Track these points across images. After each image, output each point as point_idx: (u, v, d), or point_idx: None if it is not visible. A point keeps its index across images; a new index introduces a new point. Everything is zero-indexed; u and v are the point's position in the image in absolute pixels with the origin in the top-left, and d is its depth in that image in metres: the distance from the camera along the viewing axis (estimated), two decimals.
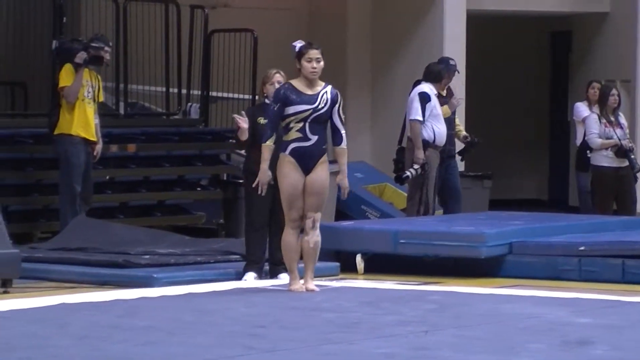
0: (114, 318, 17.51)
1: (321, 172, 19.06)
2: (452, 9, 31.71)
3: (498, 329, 16.75)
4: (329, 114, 19.05)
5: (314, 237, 19.20)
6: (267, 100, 20.56)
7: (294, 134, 18.91)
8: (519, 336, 15.73)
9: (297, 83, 19.02)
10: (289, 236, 19.49)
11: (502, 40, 35.83)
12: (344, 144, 19.79)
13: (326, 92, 19.06)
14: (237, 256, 23.14)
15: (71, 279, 22.79)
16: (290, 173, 19.01)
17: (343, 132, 19.72)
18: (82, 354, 14.24)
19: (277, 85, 20.03)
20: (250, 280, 21.95)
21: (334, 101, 19.02)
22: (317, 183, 19.08)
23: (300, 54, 19.22)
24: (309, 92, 18.97)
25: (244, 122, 21.40)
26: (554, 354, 14.24)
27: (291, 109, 18.86)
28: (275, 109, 19.04)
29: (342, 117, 20.02)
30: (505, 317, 18.08)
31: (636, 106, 33.55)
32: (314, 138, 18.95)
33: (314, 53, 19.12)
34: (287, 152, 18.98)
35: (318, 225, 19.32)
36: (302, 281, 19.42)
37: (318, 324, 16.81)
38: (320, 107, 18.92)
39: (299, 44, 19.61)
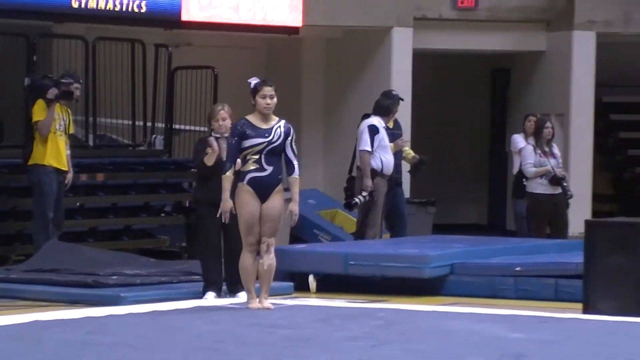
0: (84, 335, 17.19)
1: (276, 200, 19.34)
2: (399, 47, 32.04)
3: (440, 344, 16.70)
4: (282, 146, 19.25)
5: (269, 260, 19.42)
6: (213, 134, 21.07)
7: (250, 165, 19.03)
8: (459, 350, 15.78)
9: (252, 118, 19.27)
10: (246, 259, 19.59)
11: (446, 76, 35.70)
12: (296, 174, 19.80)
13: (280, 126, 19.33)
14: (199, 276, 23.01)
15: (44, 298, 22.68)
16: (248, 202, 19.23)
17: (295, 163, 19.80)
18: None
19: (221, 122, 20.81)
20: (210, 299, 21.95)
21: (287, 134, 19.28)
22: (272, 210, 19.35)
23: (255, 90, 19.35)
24: (264, 126, 19.17)
25: (215, 148, 21.54)
26: None
27: (247, 142, 19.06)
28: (233, 142, 19.29)
29: (295, 149, 19.97)
30: (447, 332, 17.93)
31: (569, 138, 33.60)
32: (270, 169, 19.15)
33: (268, 90, 19.20)
34: (245, 181, 19.14)
35: (272, 249, 19.55)
36: (258, 300, 19.57)
37: (275, 340, 16.44)
38: (274, 140, 19.18)
39: (254, 81, 19.67)
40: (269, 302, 19.68)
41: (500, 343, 16.66)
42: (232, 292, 22.42)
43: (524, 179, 31.13)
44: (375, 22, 32.41)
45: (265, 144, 19.13)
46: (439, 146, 34.91)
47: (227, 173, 19.35)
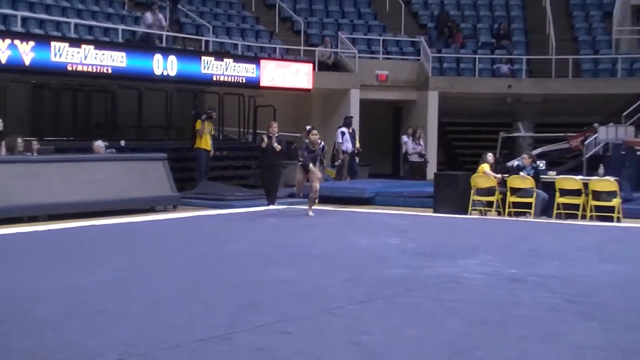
0: (219, 220, 21.36)
1: (316, 170, 22.34)
2: (354, 98, 34.91)
3: (370, 226, 20.40)
4: (319, 154, 22.43)
5: (314, 195, 22.48)
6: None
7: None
8: (378, 229, 19.49)
9: (309, 142, 22.58)
10: (299, 186, 23.39)
11: (374, 111, 36.52)
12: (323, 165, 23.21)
13: (321, 146, 22.68)
14: (264, 197, 25.09)
15: (201, 205, 24.80)
16: (301, 172, 22.54)
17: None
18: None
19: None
20: (268, 207, 24.44)
21: (322, 149, 22.64)
22: (315, 174, 22.29)
23: (309, 131, 22.96)
24: (314, 148, 22.39)
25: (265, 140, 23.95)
26: (390, 234, 18.12)
27: (307, 152, 22.29)
28: (305, 151, 22.35)
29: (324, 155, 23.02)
30: (373, 221, 21.52)
31: (427, 137, 35.07)
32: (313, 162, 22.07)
33: (314, 132, 22.87)
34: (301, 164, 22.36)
35: (316, 188, 22.26)
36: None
37: (300, 224, 21.39)
38: (317, 153, 22.35)
39: (308, 127, 23.80)
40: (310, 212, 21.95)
41: (396, 225, 20.09)
42: (273, 203, 24.83)
43: (407, 155, 33.19)
44: (344, 86, 34.99)
45: (314, 155, 22.46)
46: (372, 140, 36.15)
47: (301, 162, 22.60)
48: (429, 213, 23.65)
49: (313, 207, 22.39)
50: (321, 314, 10.12)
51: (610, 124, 31.57)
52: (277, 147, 24.59)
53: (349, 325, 9.53)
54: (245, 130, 32.41)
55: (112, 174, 23.39)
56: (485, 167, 24.22)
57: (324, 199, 26.58)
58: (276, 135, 24.87)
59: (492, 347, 8.73)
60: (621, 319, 10.09)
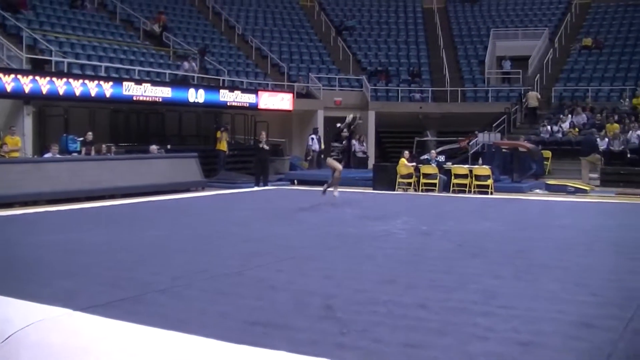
0: (235, 196, 21.83)
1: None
2: (320, 115, 34.24)
3: (325, 200, 19.41)
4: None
5: (337, 178, 18.00)
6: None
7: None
8: (339, 201, 19.86)
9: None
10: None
11: (332, 123, 32.91)
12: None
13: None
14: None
15: (222, 187, 24.42)
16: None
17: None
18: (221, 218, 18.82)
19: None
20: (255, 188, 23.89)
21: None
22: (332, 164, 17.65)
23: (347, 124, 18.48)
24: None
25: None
26: (346, 205, 18.92)
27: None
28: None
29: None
30: (329, 196, 19.97)
31: (369, 139, 34.69)
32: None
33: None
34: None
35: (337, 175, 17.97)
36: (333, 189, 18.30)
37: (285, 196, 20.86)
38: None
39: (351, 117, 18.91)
40: (337, 191, 18.42)
41: (349, 199, 19.90)
42: (266, 185, 24.49)
43: (355, 152, 32.66)
44: (313, 108, 34.48)
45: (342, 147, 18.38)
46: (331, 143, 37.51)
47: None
48: (369, 190, 23.34)
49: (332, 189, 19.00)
50: (302, 257, 10.17)
51: (485, 131, 31.80)
52: (266, 147, 25.22)
53: (320, 265, 9.60)
54: (249, 137, 32.09)
55: (162, 167, 23.62)
56: (403, 160, 24.19)
57: (301, 182, 26.37)
58: (265, 140, 25.38)
59: (413, 276, 8.80)
60: (494, 257, 10.14)
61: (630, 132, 29.03)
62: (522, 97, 35.86)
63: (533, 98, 34.75)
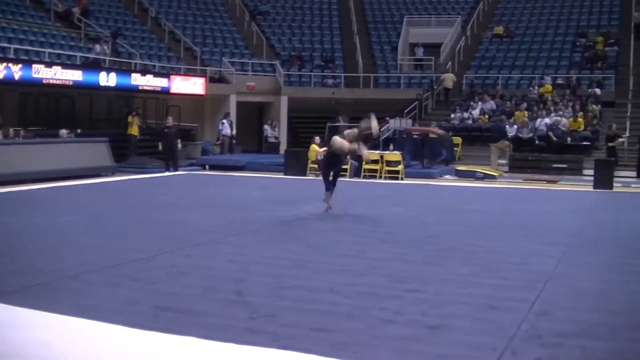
0: (153, 181, 21.38)
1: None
2: (232, 100, 33.68)
3: (243, 186, 20.03)
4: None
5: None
6: None
7: None
8: (250, 186, 19.99)
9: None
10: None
11: (245, 108, 35.33)
12: None
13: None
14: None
15: (132, 172, 23.88)
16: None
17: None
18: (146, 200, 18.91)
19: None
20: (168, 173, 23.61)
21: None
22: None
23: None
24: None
25: None
26: (257, 189, 18.88)
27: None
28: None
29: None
30: (248, 182, 20.88)
31: (280, 127, 34.92)
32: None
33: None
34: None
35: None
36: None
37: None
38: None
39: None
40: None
41: (260, 183, 20.11)
42: (176, 170, 24.17)
43: (267, 137, 33.33)
44: (226, 92, 33.86)
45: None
46: (245, 127, 35.37)
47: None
48: (281, 176, 23.32)
49: None
50: (212, 242, 10.13)
51: (397, 117, 31.99)
52: (171, 131, 25.01)
53: (230, 250, 9.58)
54: (161, 122, 31.12)
55: (72, 151, 23.29)
56: (314, 146, 24.29)
57: (212, 167, 26.35)
58: (171, 124, 25.52)
59: (322, 261, 8.84)
60: (404, 242, 10.25)
61: (539, 119, 29.65)
62: (433, 84, 36.22)
63: (449, 80, 35.26)
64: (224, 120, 31.90)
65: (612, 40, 36.80)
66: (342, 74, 38.45)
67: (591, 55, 35.82)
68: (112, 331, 5.92)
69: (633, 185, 22.38)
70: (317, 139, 25.12)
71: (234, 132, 32.15)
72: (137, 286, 7.39)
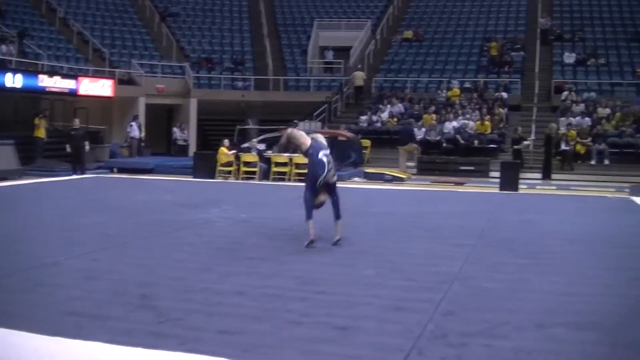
0: (61, 184, 20.95)
1: None
2: (142, 102, 33.25)
3: (154, 188, 20.03)
4: None
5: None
6: None
7: None
8: (158, 189, 20.05)
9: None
10: None
11: (154, 111, 34.72)
12: None
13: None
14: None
15: (39, 175, 23.36)
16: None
17: None
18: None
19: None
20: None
21: None
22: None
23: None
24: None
25: None
26: (165, 192, 18.85)
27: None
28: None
29: None
30: (155, 184, 21.13)
31: (189, 129, 34.90)
32: None
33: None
34: None
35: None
36: None
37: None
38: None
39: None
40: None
41: (169, 186, 20.27)
42: (83, 173, 23.90)
43: (176, 140, 33.19)
44: (135, 95, 33.29)
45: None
46: (154, 130, 34.94)
47: None
48: (190, 178, 23.16)
49: None
50: (119, 246, 10.06)
51: (306, 120, 31.98)
52: (78, 133, 24.54)
53: (137, 253, 9.55)
54: (68, 124, 30.25)
55: None
56: (223, 149, 24.37)
57: (120, 170, 25.96)
58: (77, 127, 24.93)
59: (230, 264, 8.85)
60: (313, 244, 10.16)
61: (446, 122, 30.01)
62: (343, 86, 36.36)
63: (359, 78, 35.43)
64: (133, 123, 31.57)
65: (519, 46, 37.52)
66: (252, 77, 38.37)
67: (492, 60, 36.58)
68: (14, 338, 5.81)
69: (538, 187, 22.85)
70: (226, 141, 25.18)
71: (143, 134, 31.83)
72: (42, 291, 7.29)
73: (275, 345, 5.64)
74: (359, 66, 37.39)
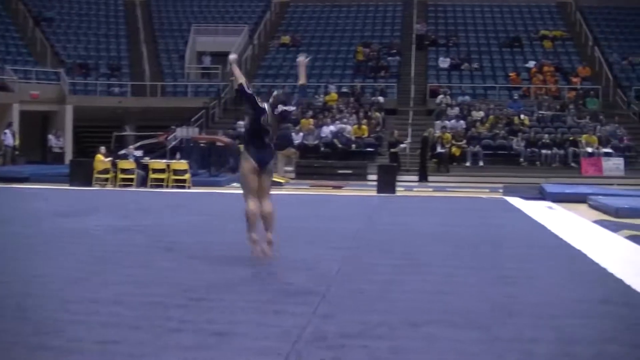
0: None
1: None
2: (15, 110, 32.35)
3: (30, 197, 19.48)
4: None
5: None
6: None
7: None
8: (34, 198, 19.45)
9: None
10: None
11: (29, 118, 34.10)
12: None
13: None
14: None
15: None
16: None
17: None
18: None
19: None
20: None
21: None
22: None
23: None
24: None
25: None
26: (41, 201, 18.46)
27: None
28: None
29: None
30: (31, 193, 20.29)
31: (65, 136, 35.05)
32: None
33: None
34: None
35: None
36: None
37: None
38: None
39: None
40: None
41: (43, 195, 19.73)
42: None
43: (52, 147, 33.02)
44: (8, 101, 32.50)
45: None
46: (29, 138, 33.74)
47: None
48: (66, 187, 22.71)
49: None
50: (5, 258, 9.73)
51: (184, 126, 31.88)
52: None
53: (13, 264, 9.24)
54: None
55: None
56: (99, 156, 24.17)
57: None
58: None
59: (108, 272, 8.72)
60: (190, 251, 10.18)
61: (324, 127, 30.30)
62: (220, 92, 36.49)
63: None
64: (7, 130, 31.10)
65: (394, 50, 38.14)
66: (129, 83, 38.16)
67: (359, 65, 37.24)
68: None
69: (415, 189, 23.43)
70: (102, 148, 24.96)
71: (17, 142, 31.35)
72: None
73: (155, 354, 5.57)
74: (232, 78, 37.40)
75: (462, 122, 31.21)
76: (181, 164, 24.36)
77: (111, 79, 38.46)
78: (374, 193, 20.99)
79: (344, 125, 30.43)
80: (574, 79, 36.37)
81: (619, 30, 41.53)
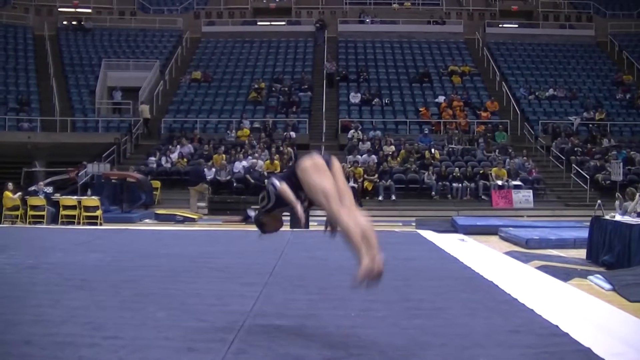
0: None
1: None
2: None
3: None
4: None
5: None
6: None
7: None
8: None
9: None
10: None
11: None
12: None
13: None
14: None
15: None
16: None
17: None
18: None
19: None
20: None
21: None
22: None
23: None
24: None
25: None
26: None
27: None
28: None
29: None
30: None
31: None
32: None
33: None
34: None
35: None
36: None
37: None
38: None
39: None
40: None
41: None
42: None
43: None
44: None
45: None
46: None
47: None
48: None
49: None
50: None
51: (95, 162, 31.66)
52: None
53: None
54: None
55: None
56: (7, 192, 23.78)
57: None
58: None
59: (16, 312, 8.34)
60: (102, 288, 10.02)
61: (236, 162, 30.40)
62: (131, 127, 36.20)
63: (145, 110, 36.16)
64: None
65: (306, 86, 38.58)
66: (38, 118, 37.52)
67: (254, 101, 37.67)
68: None
69: None
70: (10, 184, 24.52)
71: None
72: None
73: None
74: (142, 100, 37.40)
75: (373, 156, 31.58)
76: (92, 200, 24.13)
77: (20, 113, 37.84)
78: (287, 228, 20.94)
79: (255, 161, 30.59)
80: (483, 114, 37.28)
81: (525, 65, 43.09)
